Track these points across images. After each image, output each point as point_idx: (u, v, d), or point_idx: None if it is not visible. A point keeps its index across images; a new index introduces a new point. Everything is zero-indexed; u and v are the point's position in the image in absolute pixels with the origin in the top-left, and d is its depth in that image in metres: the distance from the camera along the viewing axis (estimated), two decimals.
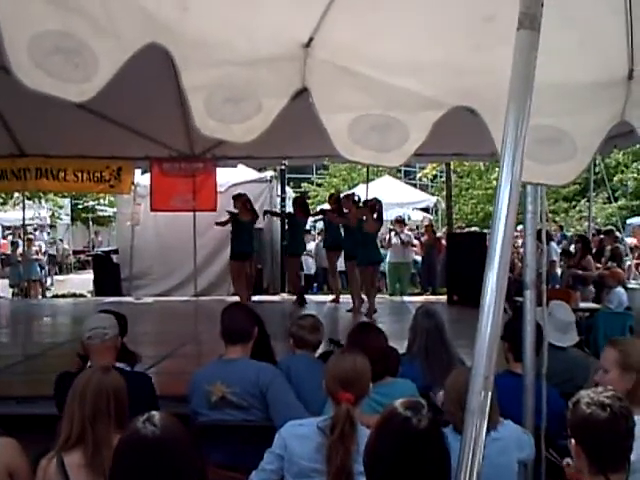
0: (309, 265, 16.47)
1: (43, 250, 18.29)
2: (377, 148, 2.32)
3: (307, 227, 12.88)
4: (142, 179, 13.51)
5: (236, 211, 11.59)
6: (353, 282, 11.05)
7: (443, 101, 2.31)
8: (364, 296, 10.73)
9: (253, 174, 14.60)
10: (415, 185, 34.61)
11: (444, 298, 12.48)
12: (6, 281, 17.70)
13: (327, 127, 2.31)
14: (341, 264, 12.06)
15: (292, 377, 3.62)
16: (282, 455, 2.69)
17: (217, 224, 11.99)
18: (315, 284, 16.84)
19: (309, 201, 32.37)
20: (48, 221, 25.07)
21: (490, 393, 1.65)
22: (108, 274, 14.55)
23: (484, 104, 2.24)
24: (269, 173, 14.91)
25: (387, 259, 14.14)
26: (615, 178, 26.14)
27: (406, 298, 13.42)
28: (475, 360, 1.67)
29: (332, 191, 31.63)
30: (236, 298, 11.15)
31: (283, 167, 14.14)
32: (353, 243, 10.59)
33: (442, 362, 4.12)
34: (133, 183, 12.55)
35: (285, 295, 13.36)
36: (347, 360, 2.78)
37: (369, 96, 2.33)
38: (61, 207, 25.34)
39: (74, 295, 16.51)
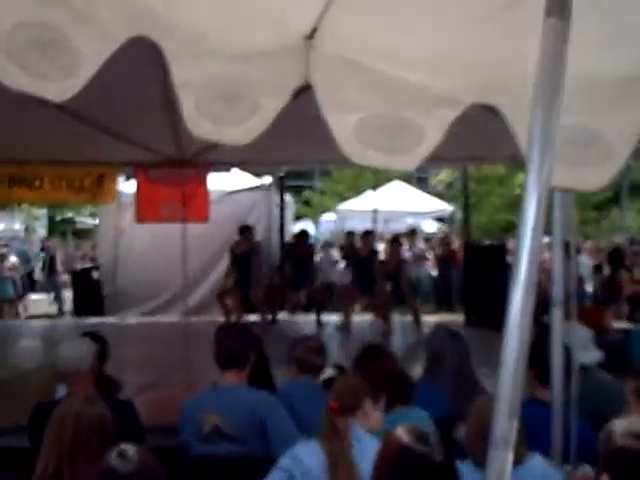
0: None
1: (17, 266, 18.29)
2: (388, 150, 2.31)
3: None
4: (126, 187, 13.54)
5: None
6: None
7: (461, 98, 2.31)
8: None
9: (248, 180, 14.63)
10: (429, 192, 34.63)
11: (461, 318, 12.45)
12: None
13: (333, 128, 2.31)
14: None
15: (293, 406, 3.61)
16: (291, 471, 2.74)
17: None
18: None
19: (311, 210, 32.56)
20: (22, 234, 25.10)
21: (516, 422, 1.64)
22: (89, 292, 14.56)
23: (506, 101, 2.24)
24: (267, 179, 14.95)
25: None
26: None
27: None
28: (500, 386, 1.66)
29: (337, 199, 31.87)
30: (232, 319, 11.16)
31: (282, 173, 14.17)
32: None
33: (469, 390, 4.11)
34: (116, 192, 12.55)
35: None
36: (342, 377, 3.07)
37: (380, 93, 2.33)
38: (37, 219, 25.38)
39: (50, 316, 16.51)
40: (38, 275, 20.05)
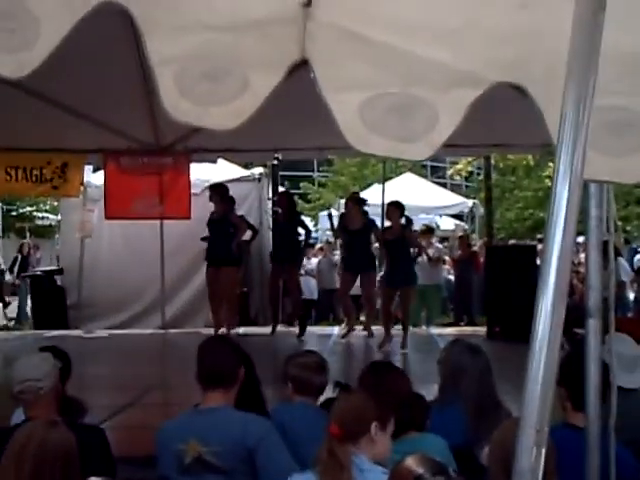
0: (311, 288, 16.49)
1: None
2: (398, 137, 2.31)
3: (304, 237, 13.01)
4: (94, 178, 13.54)
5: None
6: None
7: (482, 76, 2.30)
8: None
9: (237, 171, 14.64)
10: (445, 185, 34.67)
11: (483, 330, 12.48)
12: None
13: (333, 110, 2.31)
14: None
15: (288, 432, 3.62)
16: None
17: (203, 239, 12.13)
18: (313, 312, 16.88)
19: (309, 205, 32.63)
20: None
21: (544, 450, 1.65)
22: (50, 300, 14.56)
23: (534, 79, 2.23)
24: (258, 170, 14.95)
25: None
26: None
27: (434, 330, 13.42)
28: (525, 409, 1.67)
29: (338, 192, 31.85)
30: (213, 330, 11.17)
31: (275, 162, 14.19)
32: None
33: (491, 412, 4.12)
34: (82, 183, 12.57)
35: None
36: (344, 396, 3.07)
37: (387, 69, 2.32)
38: None
39: (6, 327, 16.51)
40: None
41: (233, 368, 3.62)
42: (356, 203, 12.05)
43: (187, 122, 2.23)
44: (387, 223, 12.01)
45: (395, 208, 11.50)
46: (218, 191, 12.07)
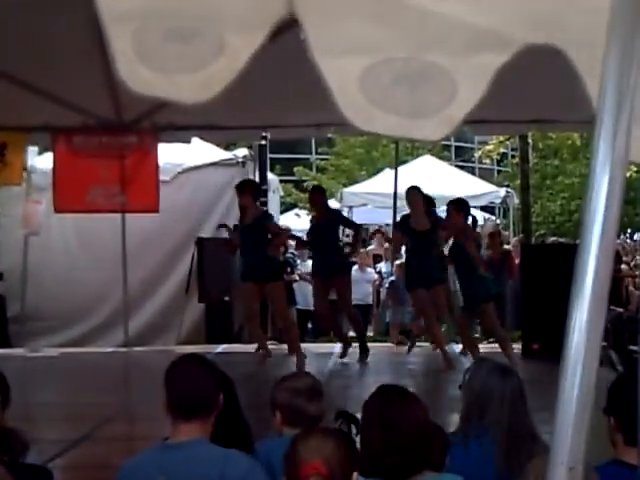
0: (306, 296, 16.46)
1: None
2: (407, 112, 2.30)
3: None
4: (40, 162, 13.52)
5: None
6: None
7: (509, 36, 2.30)
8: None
9: (216, 153, 14.63)
10: (472, 170, 34.72)
11: (517, 347, 12.50)
12: None
13: (328, 79, 2.31)
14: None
15: (275, 471, 3.62)
16: None
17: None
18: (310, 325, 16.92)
19: (306, 194, 32.59)
20: None
21: None
22: None
23: (574, 40, 2.23)
24: (241, 152, 14.94)
25: None
26: None
27: (457, 346, 13.43)
28: (554, 443, 1.67)
29: (341, 179, 31.80)
30: (191, 349, 11.17)
31: (263, 142, 14.18)
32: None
33: (525, 446, 4.13)
34: (25, 168, 12.56)
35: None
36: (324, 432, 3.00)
37: (394, 29, 2.32)
38: None
39: None
40: None
41: (211, 394, 3.61)
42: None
43: (147, 93, 2.22)
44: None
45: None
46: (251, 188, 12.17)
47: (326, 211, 12.74)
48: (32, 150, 12.83)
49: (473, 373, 4.50)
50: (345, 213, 21.57)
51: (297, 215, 26.55)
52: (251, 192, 11.90)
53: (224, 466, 3.47)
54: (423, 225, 11.96)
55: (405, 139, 9.41)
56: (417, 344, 13.66)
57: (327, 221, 12.29)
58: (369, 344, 13.01)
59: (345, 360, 12.31)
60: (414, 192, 12.16)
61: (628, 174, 24.59)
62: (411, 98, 2.33)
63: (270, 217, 12.33)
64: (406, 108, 2.32)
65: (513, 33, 2.32)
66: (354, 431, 3.72)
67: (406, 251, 13.24)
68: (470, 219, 11.78)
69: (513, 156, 32.19)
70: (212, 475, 3.45)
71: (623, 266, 16.33)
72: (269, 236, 11.79)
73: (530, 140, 19.49)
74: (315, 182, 33.26)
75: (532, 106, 10.72)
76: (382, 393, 3.83)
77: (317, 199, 12.82)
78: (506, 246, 17.50)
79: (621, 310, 13.27)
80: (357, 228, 13.36)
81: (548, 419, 4.50)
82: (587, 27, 2.14)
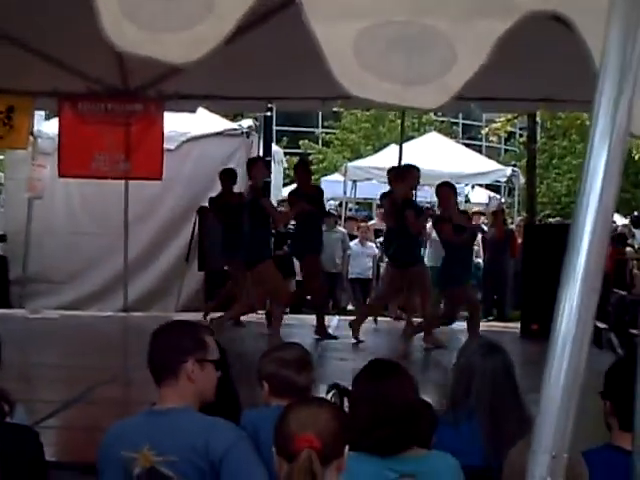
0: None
1: None
2: (403, 78, 2.25)
3: None
4: (46, 127, 13.49)
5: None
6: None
7: (512, 2, 2.25)
8: None
9: (220, 123, 14.58)
10: (479, 149, 34.65)
11: (516, 327, 12.48)
12: None
13: (322, 44, 2.25)
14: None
15: (261, 442, 3.59)
16: None
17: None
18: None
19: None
20: None
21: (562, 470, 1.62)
22: None
23: (581, 7, 2.18)
24: (246, 123, 14.89)
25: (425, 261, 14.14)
26: None
27: (456, 324, 13.40)
28: (537, 429, 1.64)
29: (346, 154, 31.75)
30: (189, 316, 11.17)
31: (269, 113, 14.13)
32: None
33: (513, 427, 4.10)
34: (32, 133, 12.53)
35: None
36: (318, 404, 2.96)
37: None
38: None
39: None
40: None
41: (172, 360, 3.56)
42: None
43: (132, 52, 2.16)
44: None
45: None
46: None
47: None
48: (39, 115, 12.80)
49: (460, 351, 4.49)
50: (349, 187, 21.61)
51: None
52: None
53: (209, 434, 3.45)
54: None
55: (400, 107, 9.35)
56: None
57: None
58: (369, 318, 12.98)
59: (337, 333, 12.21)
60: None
61: (637, 156, 24.60)
62: (407, 64, 2.28)
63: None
64: (401, 74, 2.27)
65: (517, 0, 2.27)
66: (346, 404, 3.70)
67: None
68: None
69: (521, 135, 32.10)
70: (197, 445, 3.42)
71: (628, 249, 16.26)
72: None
73: (538, 119, 19.37)
74: (320, 156, 33.35)
75: (541, 84, 10.63)
76: (372, 367, 3.80)
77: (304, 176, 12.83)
78: (511, 225, 17.47)
79: (624, 293, 13.22)
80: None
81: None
82: None
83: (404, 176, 11.80)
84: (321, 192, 12.86)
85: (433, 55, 2.29)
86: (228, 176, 12.42)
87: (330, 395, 4.57)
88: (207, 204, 13.14)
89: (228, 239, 12.14)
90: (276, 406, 3.87)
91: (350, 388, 3.95)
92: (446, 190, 11.75)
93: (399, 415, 3.42)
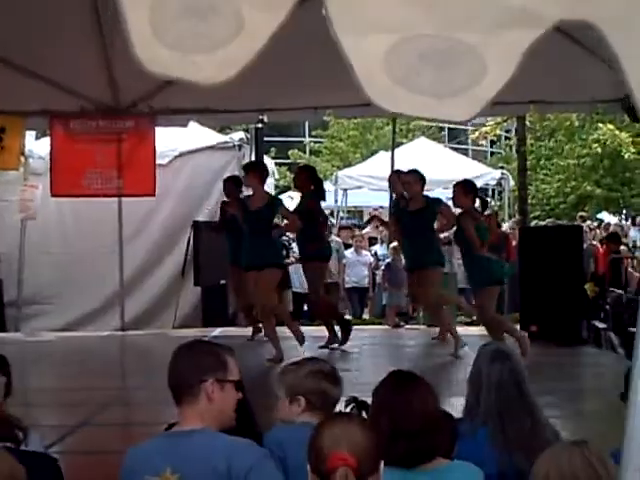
0: (301, 278, 16.43)
1: None
2: (434, 92, 2.23)
3: None
4: (37, 147, 13.47)
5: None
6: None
7: (540, 12, 2.23)
8: None
9: (212, 137, 14.59)
10: (466, 152, 34.68)
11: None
12: None
13: (351, 58, 2.23)
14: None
15: (289, 460, 3.57)
16: None
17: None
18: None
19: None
20: None
21: None
22: None
23: (610, 15, 2.16)
24: (237, 135, 14.90)
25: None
26: None
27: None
28: (626, 447, 1.61)
29: (335, 162, 31.78)
30: (187, 333, 11.15)
31: (260, 125, 14.12)
32: None
33: (523, 432, 4.11)
34: (23, 153, 12.51)
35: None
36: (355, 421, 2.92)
37: (420, 7, 2.26)
38: None
39: None
40: None
41: (189, 380, 3.54)
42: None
43: (165, 74, 2.13)
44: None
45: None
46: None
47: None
48: (30, 134, 12.80)
49: (475, 359, 4.49)
50: (340, 196, 21.60)
51: (290, 198, 26.49)
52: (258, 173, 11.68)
53: (231, 457, 3.42)
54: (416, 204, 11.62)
55: (431, 120, 9.33)
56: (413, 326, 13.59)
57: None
58: (366, 326, 12.95)
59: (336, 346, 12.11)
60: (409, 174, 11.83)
61: (626, 155, 24.65)
62: (437, 77, 2.26)
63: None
64: (431, 87, 2.25)
65: (544, 9, 2.25)
66: (364, 417, 3.68)
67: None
68: (478, 201, 11.56)
69: (507, 138, 32.15)
70: (219, 467, 3.41)
71: (622, 247, 16.31)
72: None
73: (528, 121, 19.38)
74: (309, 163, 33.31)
75: (531, 87, 10.66)
76: (392, 379, 3.80)
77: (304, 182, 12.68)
78: (504, 228, 17.49)
79: (621, 292, 13.25)
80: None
81: (552, 403, 4.45)
82: (624, 4, 2.07)
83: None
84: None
85: (463, 68, 2.27)
86: (234, 183, 12.23)
87: (349, 409, 4.56)
88: (199, 218, 13.13)
89: (234, 248, 11.97)
90: (303, 424, 3.85)
91: (367, 401, 3.95)
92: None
93: (421, 427, 3.41)
